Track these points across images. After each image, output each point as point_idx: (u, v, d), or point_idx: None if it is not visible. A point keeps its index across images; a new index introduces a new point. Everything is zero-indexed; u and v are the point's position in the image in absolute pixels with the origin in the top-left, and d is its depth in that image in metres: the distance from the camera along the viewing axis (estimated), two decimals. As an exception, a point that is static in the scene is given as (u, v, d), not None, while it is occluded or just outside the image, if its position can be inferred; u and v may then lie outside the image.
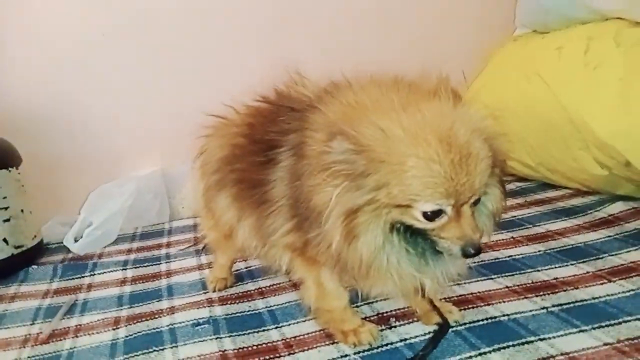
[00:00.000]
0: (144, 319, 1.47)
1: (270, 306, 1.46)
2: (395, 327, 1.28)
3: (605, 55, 1.85)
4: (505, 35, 2.47)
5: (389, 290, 1.13)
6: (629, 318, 1.21)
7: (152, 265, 1.87)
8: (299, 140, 1.10)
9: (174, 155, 2.35)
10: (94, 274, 1.84)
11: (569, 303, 1.31)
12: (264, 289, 1.57)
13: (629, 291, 1.33)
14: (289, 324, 1.36)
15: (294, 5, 2.39)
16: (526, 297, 1.35)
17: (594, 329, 1.19)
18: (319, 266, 1.20)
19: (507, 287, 1.42)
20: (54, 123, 2.25)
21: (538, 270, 1.49)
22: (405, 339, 1.23)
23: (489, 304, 1.34)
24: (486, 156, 0.98)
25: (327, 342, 1.25)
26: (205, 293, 1.58)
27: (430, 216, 0.97)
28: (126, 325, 1.45)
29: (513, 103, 2.05)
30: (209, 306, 1.50)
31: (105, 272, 1.84)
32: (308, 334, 1.30)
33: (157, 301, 1.58)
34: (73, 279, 1.82)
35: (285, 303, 1.47)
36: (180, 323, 1.42)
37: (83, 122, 2.29)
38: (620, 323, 1.20)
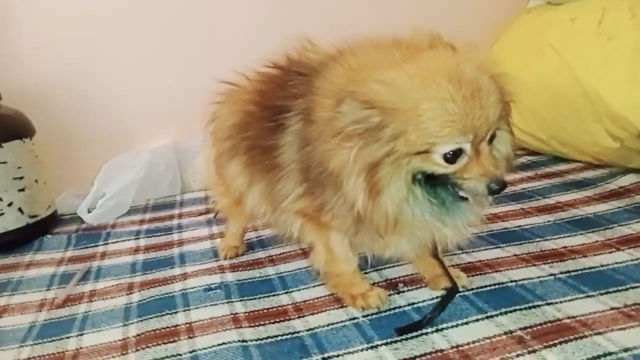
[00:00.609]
0: (157, 285, 1.49)
1: (281, 273, 1.48)
2: (403, 292, 1.30)
3: (619, 26, 1.83)
4: (519, 7, 2.44)
5: (403, 251, 1.16)
6: (637, 284, 1.22)
7: (164, 235, 1.89)
8: (306, 105, 1.11)
9: (187, 129, 2.36)
10: (108, 243, 1.87)
11: (577, 270, 1.31)
12: (274, 256, 1.59)
13: (637, 259, 1.33)
14: (299, 289, 1.38)
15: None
16: (534, 265, 1.36)
17: (601, 294, 1.19)
18: (329, 230, 1.22)
19: (515, 255, 1.43)
20: (67, 96, 2.27)
21: (547, 240, 1.50)
22: (413, 303, 1.24)
23: (497, 271, 1.35)
24: (495, 90, 0.99)
25: (336, 306, 1.27)
26: (217, 261, 1.61)
27: (451, 158, 0.97)
28: (140, 291, 1.47)
29: (526, 75, 2.03)
30: (220, 273, 1.52)
31: (118, 242, 1.87)
32: (317, 298, 1.32)
33: (170, 268, 1.60)
34: (87, 247, 1.85)
35: (295, 270, 1.49)
36: (192, 288, 1.44)
37: (96, 95, 2.30)
38: (627, 289, 1.21)
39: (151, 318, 1.31)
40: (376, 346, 1.10)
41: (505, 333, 1.09)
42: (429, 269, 1.29)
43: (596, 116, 1.84)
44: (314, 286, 1.37)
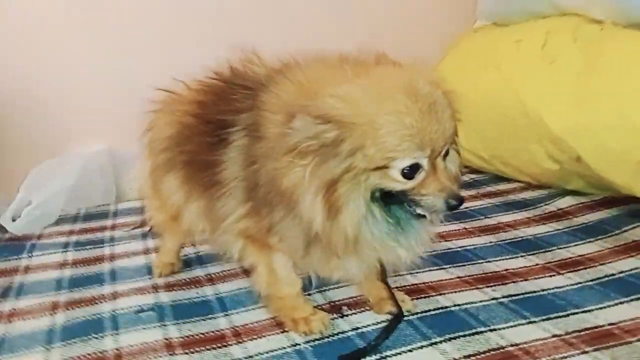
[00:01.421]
0: (84, 305, 1.39)
1: (219, 293, 1.41)
2: (347, 315, 1.26)
3: (563, 50, 1.86)
4: (466, 26, 2.47)
5: (352, 273, 1.12)
6: (577, 310, 1.23)
7: (95, 248, 1.78)
8: (252, 121, 1.06)
9: (124, 134, 2.24)
10: (32, 256, 1.74)
11: (518, 294, 1.31)
12: (213, 275, 1.52)
13: (576, 284, 1.35)
14: (238, 312, 1.31)
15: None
16: (477, 288, 1.36)
17: (542, 320, 1.19)
18: (272, 251, 1.16)
19: (458, 277, 1.42)
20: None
21: (489, 262, 1.50)
22: (357, 328, 1.20)
23: (440, 294, 1.33)
24: (448, 105, 0.97)
25: (277, 331, 1.21)
26: (150, 279, 1.52)
27: (409, 173, 0.95)
28: (65, 311, 1.37)
29: (471, 94, 2.00)
30: (154, 292, 1.44)
31: (44, 254, 1.75)
32: (258, 322, 1.26)
33: (99, 286, 1.50)
34: (9, 260, 1.71)
35: (235, 290, 1.42)
36: (122, 309, 1.35)
37: (26, 97, 2.16)
38: (568, 315, 1.21)
39: (76, 342, 1.22)
40: (318, 375, 1.05)
41: (449, 362, 1.07)
42: (374, 291, 1.26)
43: (537, 138, 1.87)
44: (254, 308, 1.32)
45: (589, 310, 1.22)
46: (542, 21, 2.03)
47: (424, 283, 1.39)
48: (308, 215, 0.97)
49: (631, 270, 1.39)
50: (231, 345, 1.17)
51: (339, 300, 1.32)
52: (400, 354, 1.10)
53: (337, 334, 1.18)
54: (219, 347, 1.17)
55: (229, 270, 1.53)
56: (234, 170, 1.09)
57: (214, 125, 1.12)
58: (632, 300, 1.25)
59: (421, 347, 1.12)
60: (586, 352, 1.07)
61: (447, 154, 1.00)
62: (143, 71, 2.13)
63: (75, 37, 2.18)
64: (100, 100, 2.24)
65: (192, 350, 1.16)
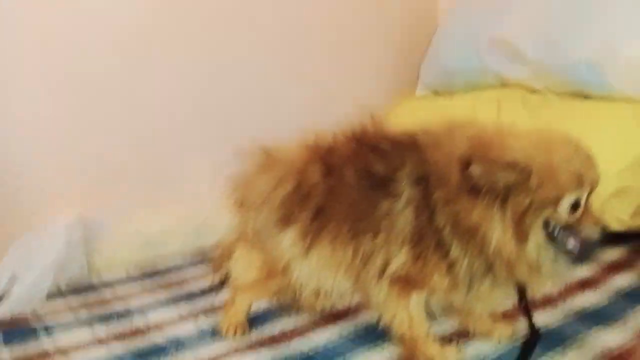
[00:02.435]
0: None
1: (318, 344, 1.44)
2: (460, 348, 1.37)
3: (516, 117, 2.23)
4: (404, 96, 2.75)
5: (493, 303, 1.28)
6: None
7: (122, 319, 1.66)
8: (418, 174, 1.20)
9: (95, 202, 2.11)
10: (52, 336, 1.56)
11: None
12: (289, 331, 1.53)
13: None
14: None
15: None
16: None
17: None
18: (411, 294, 1.27)
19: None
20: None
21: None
22: (484, 358, 1.33)
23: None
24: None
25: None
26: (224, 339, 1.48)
27: (573, 207, 1.14)
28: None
29: None
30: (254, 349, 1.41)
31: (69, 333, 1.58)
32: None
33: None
34: (26, 344, 1.52)
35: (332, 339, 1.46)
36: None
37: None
38: None
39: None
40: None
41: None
42: (480, 321, 1.41)
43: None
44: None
45: None
46: (489, 91, 2.41)
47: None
48: (498, 245, 1.13)
49: None
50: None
51: (443, 333, 1.42)
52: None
53: (466, 363, 1.30)
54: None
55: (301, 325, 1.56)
56: (403, 221, 1.21)
57: (369, 179, 1.25)
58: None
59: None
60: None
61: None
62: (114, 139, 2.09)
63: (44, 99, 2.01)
64: (69, 170, 2.07)
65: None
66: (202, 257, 2.18)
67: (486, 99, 2.38)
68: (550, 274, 1.21)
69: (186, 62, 2.27)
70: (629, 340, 1.35)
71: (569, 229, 1.17)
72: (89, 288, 1.93)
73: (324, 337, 1.48)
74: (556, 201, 1.14)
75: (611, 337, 1.37)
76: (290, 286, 1.41)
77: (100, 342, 1.52)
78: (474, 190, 1.12)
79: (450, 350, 1.32)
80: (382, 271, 1.25)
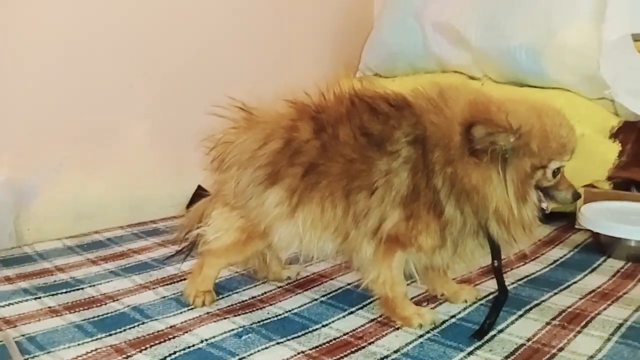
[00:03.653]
0: (154, 344, 1.27)
1: (292, 309, 1.43)
2: (433, 308, 1.43)
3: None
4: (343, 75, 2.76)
5: (475, 262, 1.35)
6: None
7: (73, 290, 1.54)
8: (417, 134, 1.23)
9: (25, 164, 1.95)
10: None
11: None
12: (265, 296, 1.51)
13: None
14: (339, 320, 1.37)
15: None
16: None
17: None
18: (395, 253, 1.30)
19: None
20: None
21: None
22: (454, 316, 1.38)
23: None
24: None
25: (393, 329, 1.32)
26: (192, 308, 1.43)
27: (556, 173, 1.24)
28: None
29: None
30: (225, 317, 1.37)
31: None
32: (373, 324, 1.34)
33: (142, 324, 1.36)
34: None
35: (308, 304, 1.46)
36: (213, 337, 1.28)
37: None
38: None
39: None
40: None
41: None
42: (446, 285, 1.47)
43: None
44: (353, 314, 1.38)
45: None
46: (430, 75, 2.50)
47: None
48: (498, 205, 1.18)
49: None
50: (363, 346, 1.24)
51: (414, 297, 1.47)
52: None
53: (442, 323, 1.35)
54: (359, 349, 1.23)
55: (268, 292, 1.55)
56: (399, 179, 1.23)
57: (369, 138, 1.25)
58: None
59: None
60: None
61: None
62: (41, 97, 1.94)
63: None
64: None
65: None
66: (146, 230, 2.10)
67: (427, 83, 2.45)
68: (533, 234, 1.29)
69: (130, 23, 2.16)
70: (579, 301, 1.47)
71: (546, 191, 1.26)
72: (23, 259, 1.79)
73: (296, 303, 1.48)
74: (546, 165, 1.22)
75: (562, 299, 1.49)
76: (268, 250, 1.40)
77: (53, 312, 1.41)
78: (475, 152, 1.17)
79: (427, 311, 1.37)
80: (375, 230, 1.27)
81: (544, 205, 1.28)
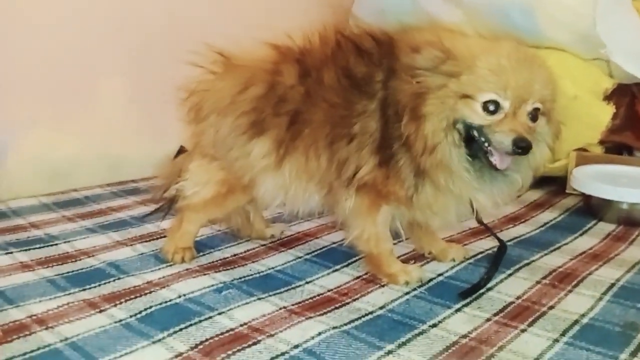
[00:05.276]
0: (133, 296, 1.22)
1: (272, 267, 1.39)
2: (420, 267, 1.38)
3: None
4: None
5: (450, 219, 1.25)
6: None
7: (48, 246, 1.48)
8: (387, 72, 1.17)
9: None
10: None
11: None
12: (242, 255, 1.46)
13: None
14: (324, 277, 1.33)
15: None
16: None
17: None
18: (379, 208, 1.24)
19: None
20: None
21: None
22: (441, 274, 1.34)
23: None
24: (549, 77, 1.14)
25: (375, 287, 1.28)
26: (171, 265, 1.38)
27: (489, 108, 1.09)
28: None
29: None
30: (208, 273, 1.33)
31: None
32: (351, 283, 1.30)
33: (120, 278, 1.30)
34: None
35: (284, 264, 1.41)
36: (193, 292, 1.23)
37: None
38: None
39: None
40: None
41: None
42: (434, 243, 1.42)
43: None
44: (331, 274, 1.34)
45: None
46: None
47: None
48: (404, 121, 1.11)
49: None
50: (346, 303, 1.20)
51: (401, 256, 1.42)
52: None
53: (430, 280, 1.31)
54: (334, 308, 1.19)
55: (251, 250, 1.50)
56: (372, 122, 1.16)
57: (352, 80, 1.18)
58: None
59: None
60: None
61: (536, 118, 1.15)
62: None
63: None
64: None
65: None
66: (126, 189, 2.03)
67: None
68: (469, 184, 1.16)
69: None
70: (569, 261, 1.44)
71: (483, 133, 1.12)
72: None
73: (280, 260, 1.43)
74: (469, 96, 1.10)
75: (553, 259, 1.45)
76: (251, 207, 1.34)
77: (25, 267, 1.35)
78: (414, 71, 1.11)
79: (413, 268, 1.32)
80: (352, 178, 1.20)
81: (493, 159, 1.13)
